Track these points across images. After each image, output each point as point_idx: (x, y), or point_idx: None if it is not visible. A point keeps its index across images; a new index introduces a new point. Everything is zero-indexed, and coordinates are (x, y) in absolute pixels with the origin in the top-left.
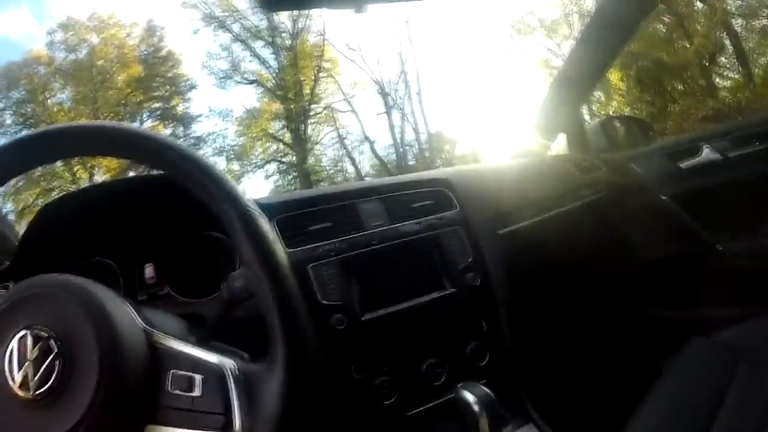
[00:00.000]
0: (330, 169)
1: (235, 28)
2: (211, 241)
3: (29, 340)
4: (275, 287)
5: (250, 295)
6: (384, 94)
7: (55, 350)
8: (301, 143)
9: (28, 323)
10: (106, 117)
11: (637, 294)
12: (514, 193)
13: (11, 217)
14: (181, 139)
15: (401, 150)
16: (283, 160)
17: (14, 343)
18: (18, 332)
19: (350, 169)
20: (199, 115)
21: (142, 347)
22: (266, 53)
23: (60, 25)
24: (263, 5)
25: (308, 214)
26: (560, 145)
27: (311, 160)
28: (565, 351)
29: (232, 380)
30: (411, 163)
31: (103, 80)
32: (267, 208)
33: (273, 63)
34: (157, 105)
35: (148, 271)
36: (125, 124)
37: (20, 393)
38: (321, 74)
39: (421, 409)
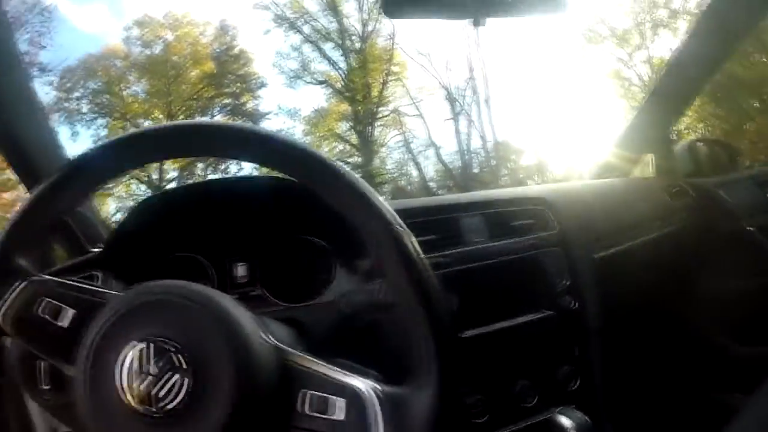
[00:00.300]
0: (394, 173)
1: (306, 29)
2: (308, 245)
3: (151, 352)
4: (429, 310)
5: (377, 310)
6: (451, 100)
7: (183, 365)
8: (367, 145)
9: (148, 333)
10: (178, 110)
11: (718, 328)
12: (609, 215)
13: None
14: None
15: (466, 157)
16: (349, 160)
17: (132, 355)
18: (136, 343)
19: (414, 173)
20: (268, 113)
21: (274, 364)
22: (336, 55)
23: (136, 22)
24: (387, 13)
25: (413, 225)
26: (645, 165)
27: (376, 162)
28: (647, 382)
29: (377, 404)
30: (475, 171)
31: (176, 75)
32: None
33: (342, 65)
34: (227, 101)
35: (241, 269)
36: (268, 129)
37: (140, 409)
38: (389, 78)
39: (512, 430)
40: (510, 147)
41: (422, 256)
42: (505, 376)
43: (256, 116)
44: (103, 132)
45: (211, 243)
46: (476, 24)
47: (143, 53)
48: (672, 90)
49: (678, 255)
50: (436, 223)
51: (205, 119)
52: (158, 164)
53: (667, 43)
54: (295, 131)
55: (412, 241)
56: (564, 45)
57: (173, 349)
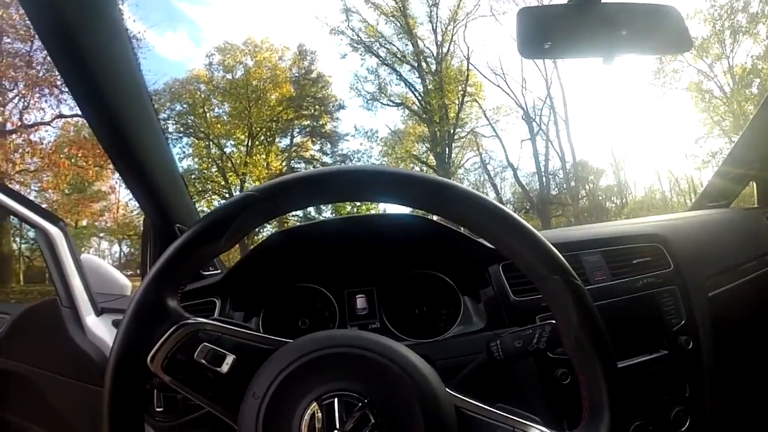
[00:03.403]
0: None
1: (381, 52)
2: (432, 279)
3: (337, 407)
4: (604, 357)
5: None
6: (528, 120)
7: (375, 421)
8: (444, 166)
9: (333, 388)
10: (259, 131)
11: None
12: (722, 250)
13: None
14: (328, 156)
15: (544, 178)
16: None
17: (317, 410)
18: (322, 396)
19: (492, 195)
20: (346, 134)
21: (453, 413)
22: (412, 77)
23: (217, 48)
24: (523, 54)
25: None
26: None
27: None
28: (758, 424)
29: None
30: (554, 192)
31: (257, 98)
32: (491, 251)
33: (419, 86)
34: (306, 122)
35: (360, 301)
36: (455, 183)
37: None
38: (466, 99)
39: None
40: (589, 167)
41: (595, 308)
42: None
43: (334, 137)
44: (189, 150)
45: (332, 275)
46: (606, 62)
47: (225, 78)
48: None
49: None
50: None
51: (354, 165)
52: (240, 182)
53: (749, 50)
54: (373, 152)
55: (588, 294)
56: (641, 59)
57: (363, 404)
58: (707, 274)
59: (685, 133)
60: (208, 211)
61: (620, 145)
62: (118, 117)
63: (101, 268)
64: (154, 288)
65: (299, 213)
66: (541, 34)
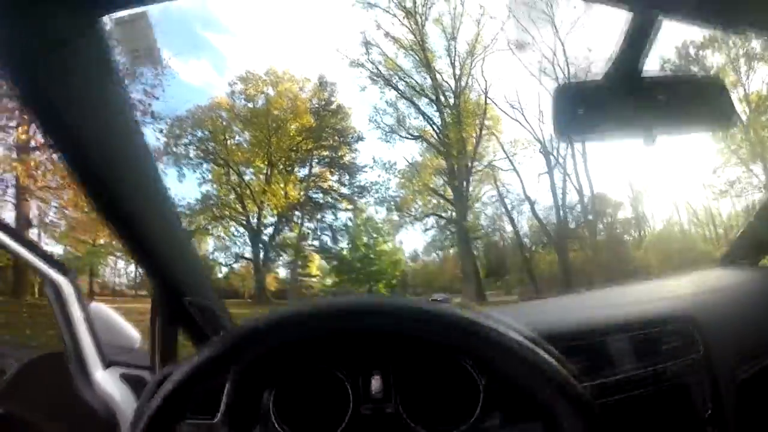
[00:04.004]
0: (488, 228)
1: (401, 85)
2: (451, 366)
3: None
4: None
5: None
6: (546, 153)
7: None
8: (461, 200)
9: None
10: (278, 160)
11: None
12: (757, 326)
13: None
14: (346, 187)
15: (562, 212)
16: (443, 215)
17: None
18: None
19: (509, 228)
20: (365, 166)
21: None
22: (430, 110)
23: (239, 77)
24: (561, 135)
25: (566, 350)
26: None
27: (470, 217)
28: None
29: None
30: (571, 226)
31: (277, 127)
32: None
33: (437, 120)
34: (325, 153)
35: (375, 383)
36: (469, 314)
37: None
38: (483, 132)
39: None
40: (606, 200)
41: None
42: None
43: (352, 169)
44: (208, 176)
45: (348, 356)
46: (647, 142)
47: (246, 106)
48: None
49: None
50: (587, 348)
51: (372, 297)
52: (257, 209)
53: (764, 77)
54: (390, 184)
55: (594, 405)
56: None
57: None
58: (739, 355)
59: (702, 162)
60: (226, 238)
61: (638, 178)
62: (116, 186)
63: (110, 319)
64: (162, 414)
65: (315, 244)
66: (577, 112)
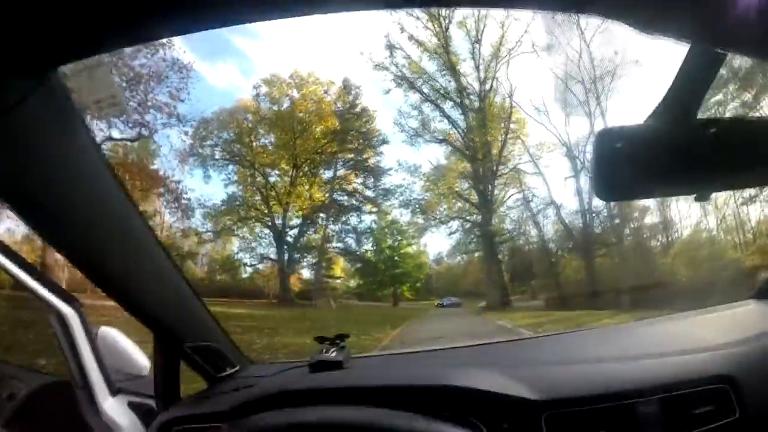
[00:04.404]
0: (513, 232)
1: (425, 89)
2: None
3: None
4: None
5: None
6: (571, 157)
7: None
8: (486, 204)
9: None
10: (303, 163)
11: None
12: None
13: (210, 235)
14: (371, 190)
15: (587, 217)
16: (467, 218)
17: None
18: None
19: (534, 232)
20: (389, 169)
21: None
22: (455, 114)
23: (264, 80)
24: (603, 197)
25: (580, 415)
26: None
27: (495, 221)
28: None
29: None
30: (597, 231)
31: (302, 130)
32: (533, 405)
33: (462, 123)
34: (350, 156)
35: None
36: None
37: None
38: (508, 135)
39: None
40: (633, 204)
41: None
42: None
43: (377, 171)
44: (234, 177)
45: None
46: (699, 198)
47: (271, 109)
48: None
49: None
50: (608, 412)
51: None
52: (282, 211)
53: None
54: (415, 188)
55: None
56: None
57: None
58: None
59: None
60: (251, 238)
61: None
62: (96, 246)
63: (119, 345)
64: None
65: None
66: (620, 166)
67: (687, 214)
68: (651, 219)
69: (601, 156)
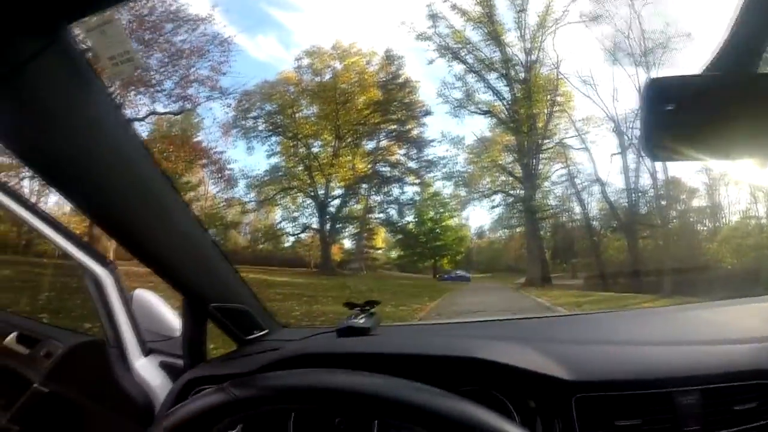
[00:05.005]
0: (556, 209)
1: (469, 59)
2: (483, 397)
3: None
4: None
5: None
6: (619, 133)
7: None
8: (530, 178)
9: None
10: (346, 133)
11: None
12: None
13: (253, 205)
14: (413, 161)
15: (633, 196)
16: (510, 192)
17: None
18: None
19: (577, 210)
20: (432, 140)
21: None
22: (500, 85)
23: (306, 52)
24: (652, 155)
25: (613, 400)
26: None
27: (538, 196)
28: None
29: None
30: (642, 212)
31: (344, 101)
32: (564, 385)
33: (507, 95)
34: (393, 127)
35: None
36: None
37: None
38: (554, 108)
39: None
40: (681, 185)
41: None
42: None
43: (420, 143)
44: (277, 148)
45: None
46: (764, 164)
47: (313, 80)
48: None
49: None
50: (644, 400)
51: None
52: (325, 181)
53: None
54: (458, 159)
55: None
56: None
57: None
58: None
59: None
60: (293, 208)
61: (716, 163)
62: (120, 204)
63: (153, 306)
64: None
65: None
66: (669, 122)
67: (736, 199)
68: (698, 202)
69: (650, 109)
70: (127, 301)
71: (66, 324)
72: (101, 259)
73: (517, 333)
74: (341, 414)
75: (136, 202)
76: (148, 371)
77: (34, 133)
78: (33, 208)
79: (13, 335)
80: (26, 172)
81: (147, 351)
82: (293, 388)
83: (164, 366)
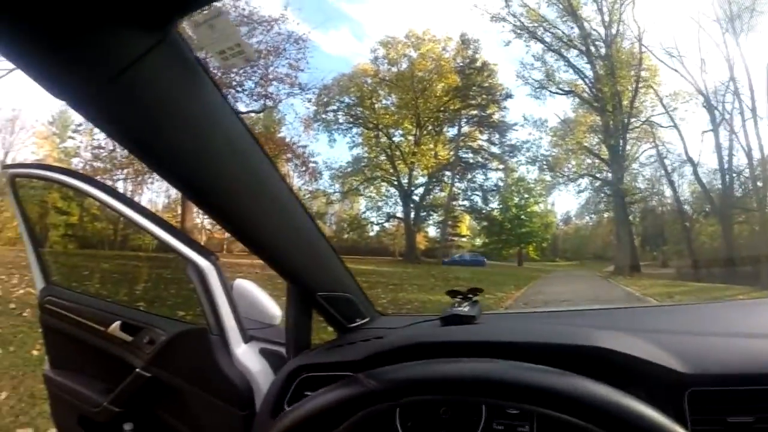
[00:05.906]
0: (646, 192)
1: (546, 37)
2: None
3: None
4: None
5: None
6: (710, 108)
7: None
8: (617, 160)
9: None
10: (426, 121)
11: None
12: None
13: (337, 196)
14: (496, 146)
15: (727, 177)
16: (597, 176)
17: None
18: None
19: (668, 193)
20: (514, 124)
21: None
22: (581, 62)
23: (380, 42)
24: None
25: (726, 395)
26: None
27: (626, 179)
28: None
29: None
30: (737, 194)
31: (423, 89)
32: (679, 377)
33: (588, 73)
34: (473, 112)
35: None
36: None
37: None
38: (640, 84)
39: None
40: None
41: None
42: None
43: (502, 127)
44: (359, 140)
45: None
46: None
47: (390, 70)
48: None
49: None
50: (759, 396)
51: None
52: (408, 170)
53: None
54: (542, 143)
55: None
56: None
57: None
58: None
59: None
60: (377, 198)
61: None
62: (230, 196)
63: (253, 295)
64: None
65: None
66: None
67: None
68: None
69: None
70: (228, 290)
71: (163, 312)
72: (204, 252)
73: (619, 323)
74: (485, 403)
75: (248, 194)
76: (248, 358)
77: (149, 130)
78: (141, 209)
79: (117, 323)
80: (119, 175)
81: (248, 338)
82: (445, 379)
83: (264, 353)
